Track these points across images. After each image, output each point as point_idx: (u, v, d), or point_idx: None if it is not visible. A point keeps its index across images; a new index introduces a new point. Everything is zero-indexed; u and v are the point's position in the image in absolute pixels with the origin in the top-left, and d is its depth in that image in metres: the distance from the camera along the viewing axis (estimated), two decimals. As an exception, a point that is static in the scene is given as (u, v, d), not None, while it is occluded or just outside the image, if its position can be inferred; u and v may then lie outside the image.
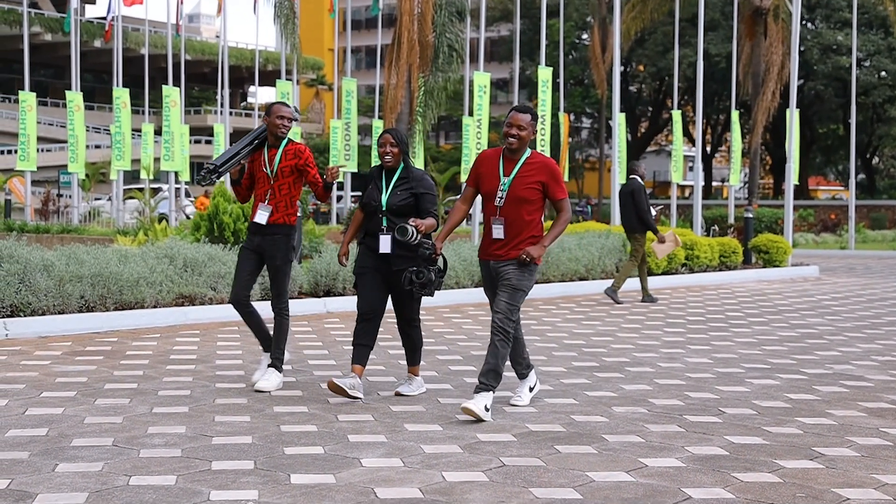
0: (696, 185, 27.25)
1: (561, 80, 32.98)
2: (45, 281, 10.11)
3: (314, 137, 61.33)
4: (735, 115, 28.38)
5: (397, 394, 7.12)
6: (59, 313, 10.15)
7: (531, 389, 6.96)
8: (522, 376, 6.97)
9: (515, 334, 6.67)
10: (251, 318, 7.37)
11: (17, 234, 15.28)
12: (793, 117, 22.68)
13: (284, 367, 7.63)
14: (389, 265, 6.80)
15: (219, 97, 43.91)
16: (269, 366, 7.33)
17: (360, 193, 7.33)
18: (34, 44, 47.93)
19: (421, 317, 7.19)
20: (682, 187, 66.39)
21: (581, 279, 15.62)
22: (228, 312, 9.70)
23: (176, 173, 31.65)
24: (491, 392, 6.39)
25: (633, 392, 7.41)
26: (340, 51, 46.58)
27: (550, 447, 5.69)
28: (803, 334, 10.91)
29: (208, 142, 53.06)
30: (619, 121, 25.21)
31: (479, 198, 6.79)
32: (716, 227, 27.87)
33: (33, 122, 29.66)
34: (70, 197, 34.78)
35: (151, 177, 28.42)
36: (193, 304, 11.21)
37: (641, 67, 58.31)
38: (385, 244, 6.78)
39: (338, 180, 33.45)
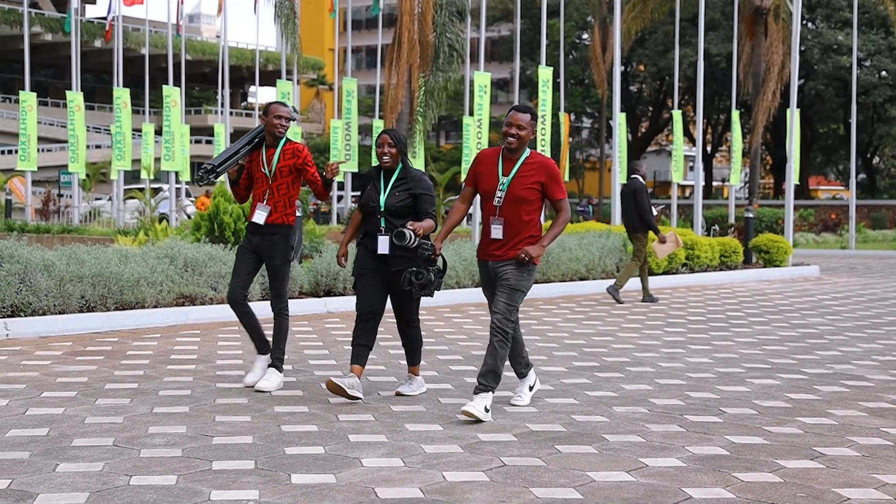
0: (697, 185, 27.26)
1: (561, 80, 32.97)
2: (45, 281, 10.12)
3: (315, 137, 61.33)
4: (735, 114, 28.38)
5: (398, 394, 7.12)
6: (60, 313, 10.15)
7: (531, 388, 6.95)
8: (522, 375, 6.97)
9: (514, 334, 6.66)
10: (247, 318, 7.33)
11: (17, 234, 15.29)
12: (793, 117, 22.67)
13: (286, 367, 7.62)
14: (388, 266, 6.79)
15: (219, 97, 43.94)
16: (269, 366, 7.33)
17: (360, 193, 7.29)
18: (35, 44, 47.95)
19: (421, 317, 7.19)
20: (682, 187, 66.36)
21: (582, 279, 15.63)
22: (229, 312, 9.64)
23: (176, 173, 31.66)
24: (490, 393, 6.38)
25: (633, 392, 7.41)
26: (341, 51, 46.58)
27: (551, 447, 5.69)
28: (804, 334, 10.91)
29: (209, 142, 53.07)
30: (619, 120, 25.22)
31: (478, 197, 6.78)
32: (716, 227, 27.88)
33: (34, 122, 29.67)
34: (70, 197, 34.79)
35: (152, 177, 28.45)
36: (194, 304, 11.21)
37: (642, 67, 58.30)
38: (383, 245, 6.77)
39: (338, 180, 33.51)
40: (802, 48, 43.93)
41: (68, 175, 34.67)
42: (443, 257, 6.75)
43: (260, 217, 7.18)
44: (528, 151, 6.53)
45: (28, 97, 29.42)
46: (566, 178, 33.39)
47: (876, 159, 65.72)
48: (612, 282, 14.44)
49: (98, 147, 50.11)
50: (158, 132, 36.89)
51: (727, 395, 7.32)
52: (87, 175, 34.58)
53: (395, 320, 7.14)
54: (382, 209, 6.81)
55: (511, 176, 6.46)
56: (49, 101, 55.53)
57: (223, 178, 8.87)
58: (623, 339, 10.32)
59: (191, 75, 45.29)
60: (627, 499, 4.74)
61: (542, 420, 6.39)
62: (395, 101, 23.16)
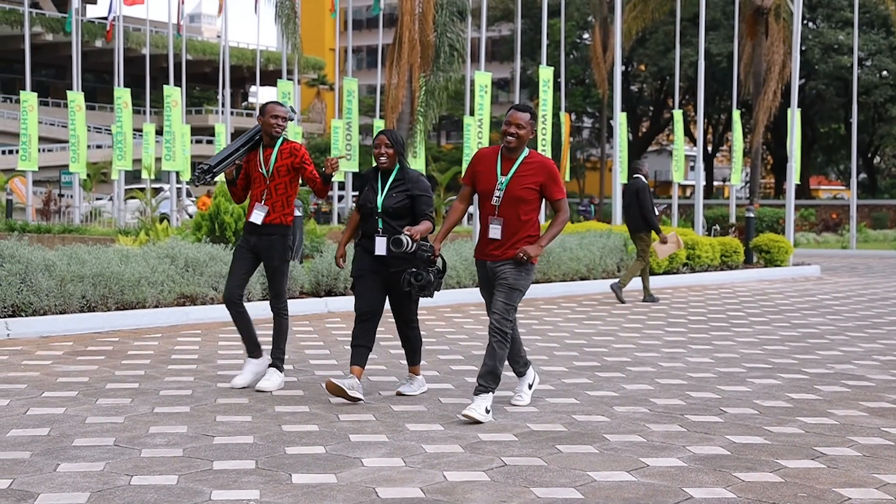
0: (698, 185, 27.24)
1: (562, 80, 32.95)
2: (46, 281, 10.12)
3: (315, 137, 61.32)
4: (736, 114, 28.38)
5: (399, 393, 7.12)
6: (61, 313, 10.15)
7: (530, 387, 6.95)
8: (521, 374, 6.96)
9: (512, 334, 6.65)
10: (241, 318, 7.30)
11: (18, 234, 15.29)
12: (794, 117, 22.67)
13: (286, 367, 7.61)
14: (387, 267, 6.77)
15: (220, 97, 43.94)
16: (269, 366, 7.32)
17: (358, 194, 7.27)
18: (35, 44, 47.95)
19: (422, 316, 7.20)
20: (683, 187, 66.33)
21: (582, 279, 15.63)
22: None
23: (177, 173, 31.67)
24: (490, 393, 6.38)
25: (634, 392, 7.41)
26: (341, 50, 46.57)
27: (552, 447, 5.69)
28: (805, 334, 10.91)
29: (209, 142, 53.05)
30: (620, 120, 25.21)
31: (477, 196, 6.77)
32: (717, 227, 27.86)
33: (34, 122, 29.68)
34: (71, 197, 34.80)
35: (153, 177, 28.44)
36: (195, 304, 11.22)
37: (643, 67, 58.30)
38: (381, 246, 6.75)
39: (339, 180, 33.52)
40: (803, 48, 43.95)
41: (69, 175, 34.68)
42: (442, 258, 6.74)
43: (258, 217, 7.17)
44: (526, 151, 6.52)
45: (29, 97, 29.43)
46: (567, 178, 33.38)
47: (877, 159, 65.72)
48: (615, 280, 14.46)
49: (99, 147, 50.11)
50: (159, 132, 36.91)
51: (728, 395, 7.32)
52: (88, 175, 34.58)
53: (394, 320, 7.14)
54: (380, 210, 6.80)
55: (510, 175, 6.44)
56: (50, 101, 55.54)
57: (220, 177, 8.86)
58: (624, 338, 10.32)
59: (191, 75, 45.28)
60: (628, 498, 4.74)
61: (543, 420, 6.39)
62: (396, 101, 23.17)
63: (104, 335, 9.93)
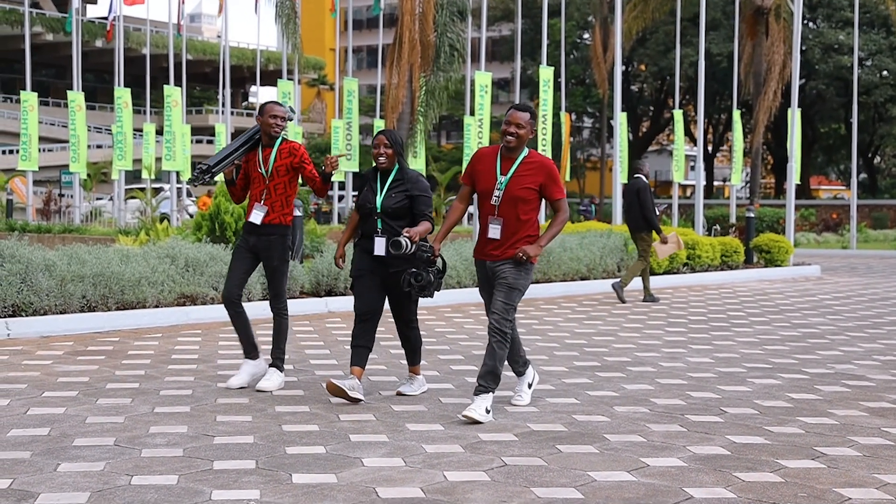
0: (698, 185, 27.25)
1: (562, 80, 32.93)
2: (46, 281, 10.12)
3: (316, 137, 61.33)
4: (737, 114, 28.37)
5: (399, 393, 7.12)
6: (61, 313, 10.16)
7: (530, 386, 6.95)
8: (520, 374, 6.96)
9: (512, 334, 6.64)
10: (239, 319, 7.29)
11: (18, 234, 15.28)
12: (794, 117, 22.66)
13: (286, 367, 7.61)
14: (387, 267, 6.76)
15: (220, 97, 43.93)
16: (270, 366, 7.32)
17: (357, 194, 7.27)
18: (35, 44, 47.93)
19: (422, 316, 7.20)
20: (683, 187, 66.31)
21: (583, 279, 15.63)
22: (230, 312, 9.69)
23: (177, 173, 31.67)
24: (490, 394, 6.37)
25: (634, 391, 7.41)
26: (342, 50, 46.57)
27: (552, 447, 5.69)
28: (805, 334, 10.91)
29: (210, 141, 53.05)
30: (620, 120, 25.21)
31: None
32: (717, 227, 27.87)
33: (35, 121, 29.68)
34: (72, 197, 34.79)
35: (153, 177, 28.43)
36: (195, 304, 11.22)
37: (643, 67, 58.28)
38: (380, 247, 6.75)
39: (339, 180, 33.52)
40: (803, 48, 43.93)
41: (69, 175, 34.68)
42: (442, 258, 6.73)
43: (257, 217, 7.17)
44: (526, 151, 6.51)
45: (29, 97, 29.43)
46: (567, 178, 33.37)
47: (877, 159, 65.71)
48: (616, 280, 14.46)
49: (99, 147, 50.12)
50: (159, 132, 36.89)
51: (728, 395, 7.32)
52: (89, 175, 34.59)
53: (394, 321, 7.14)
54: (379, 210, 6.79)
55: (509, 175, 6.43)
56: (50, 101, 55.55)
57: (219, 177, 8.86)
58: (624, 338, 10.32)
59: (192, 75, 45.27)
60: (628, 498, 4.74)
61: (543, 420, 6.39)
62: (396, 101, 23.15)
63: (104, 335, 9.93)
